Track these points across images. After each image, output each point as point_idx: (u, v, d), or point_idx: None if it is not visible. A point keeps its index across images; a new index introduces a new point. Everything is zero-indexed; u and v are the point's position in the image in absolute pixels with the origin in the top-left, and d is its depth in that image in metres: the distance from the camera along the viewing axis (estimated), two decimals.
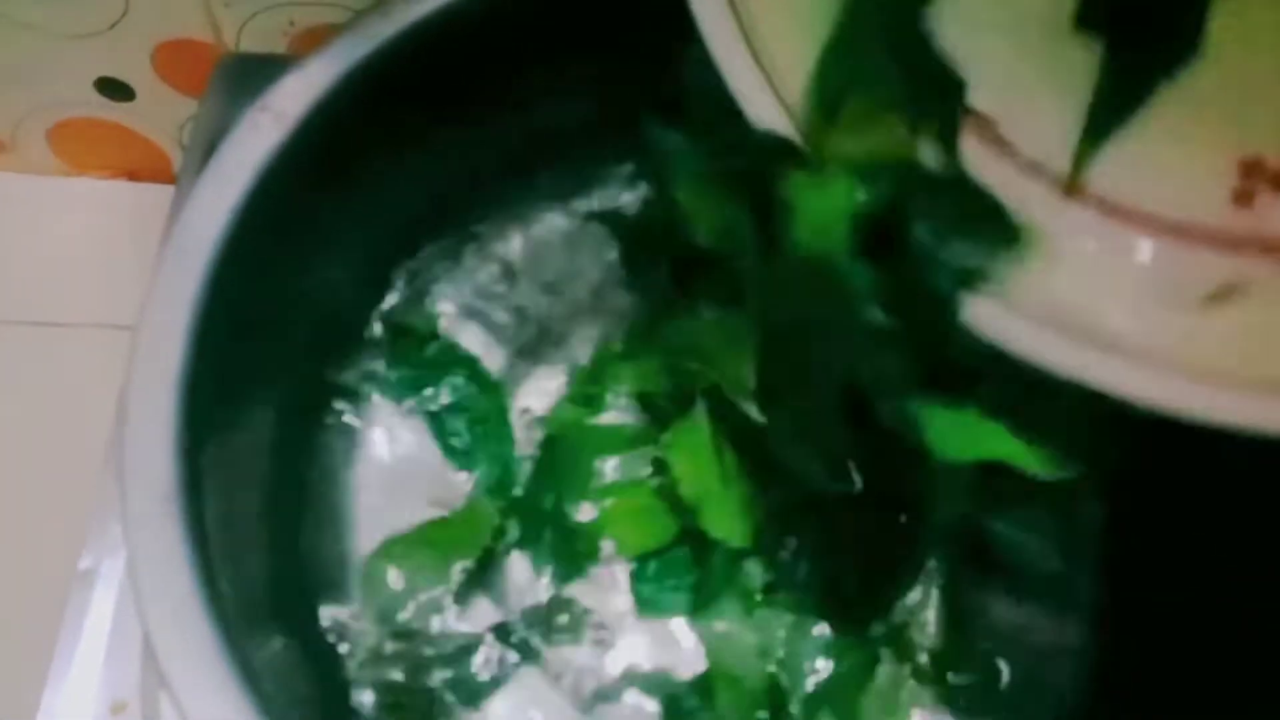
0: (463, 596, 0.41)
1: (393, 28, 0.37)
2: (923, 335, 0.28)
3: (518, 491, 0.43)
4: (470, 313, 0.45)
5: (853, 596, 0.40)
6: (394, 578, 0.40)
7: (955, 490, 0.39)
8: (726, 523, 0.39)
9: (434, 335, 0.45)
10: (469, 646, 0.41)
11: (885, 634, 0.41)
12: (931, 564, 0.41)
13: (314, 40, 0.45)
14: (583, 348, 0.45)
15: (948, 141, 0.28)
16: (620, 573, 0.42)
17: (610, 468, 0.43)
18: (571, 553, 0.42)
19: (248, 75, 0.48)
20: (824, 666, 0.40)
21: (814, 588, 0.40)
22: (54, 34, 0.58)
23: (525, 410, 0.45)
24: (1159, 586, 0.41)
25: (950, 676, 0.40)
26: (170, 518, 0.30)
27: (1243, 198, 0.27)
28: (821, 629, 0.41)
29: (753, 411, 0.34)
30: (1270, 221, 0.26)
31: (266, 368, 0.38)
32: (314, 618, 0.39)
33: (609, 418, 0.43)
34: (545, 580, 0.42)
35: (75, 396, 0.57)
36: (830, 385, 0.31)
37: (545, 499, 0.42)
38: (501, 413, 0.44)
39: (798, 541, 0.40)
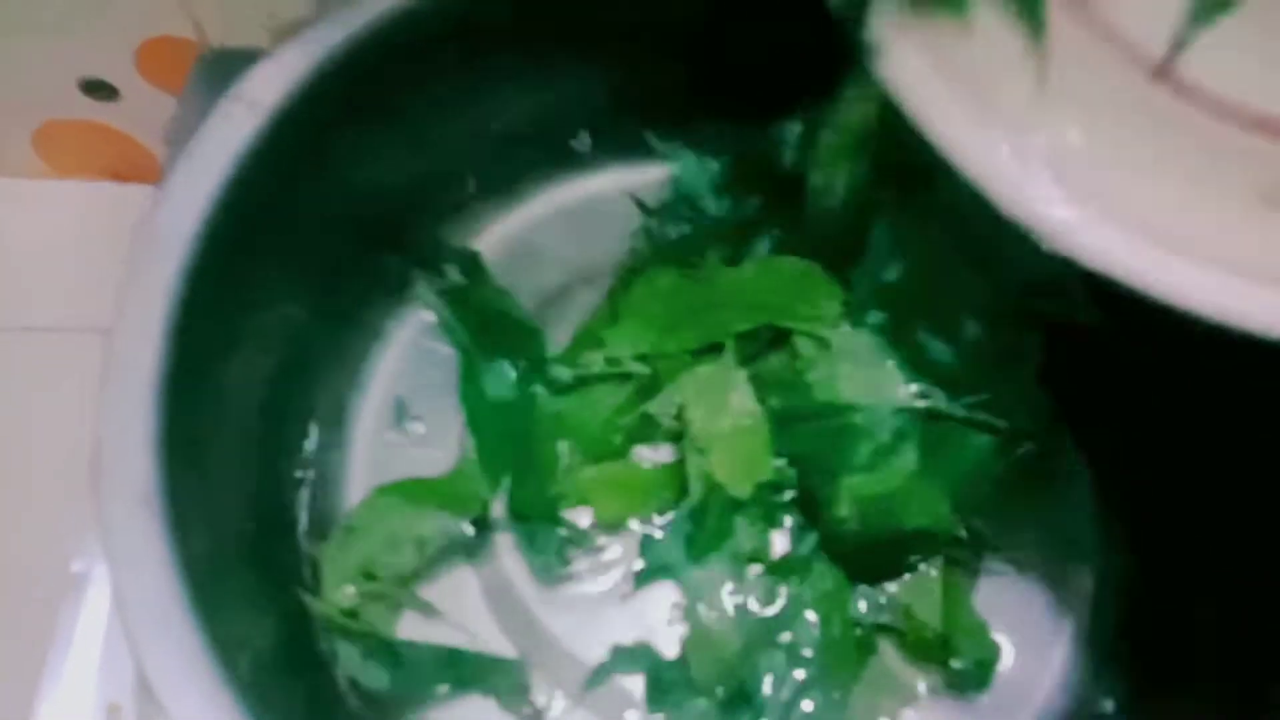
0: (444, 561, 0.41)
1: (366, 14, 0.36)
2: None
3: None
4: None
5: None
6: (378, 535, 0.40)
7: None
8: (735, 468, 0.39)
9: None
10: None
11: (880, 619, 0.41)
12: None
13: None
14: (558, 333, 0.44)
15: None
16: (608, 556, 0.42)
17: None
18: (558, 538, 0.41)
19: (228, 70, 0.46)
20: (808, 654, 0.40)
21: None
22: (35, 34, 0.58)
23: None
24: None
25: (953, 661, 0.39)
26: (151, 521, 0.29)
27: None
28: (811, 615, 0.40)
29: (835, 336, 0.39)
30: None
31: (248, 363, 0.37)
32: (305, 616, 0.39)
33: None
34: (533, 563, 0.42)
35: (64, 401, 0.57)
36: None
37: (531, 483, 0.42)
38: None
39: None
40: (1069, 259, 0.26)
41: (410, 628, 0.41)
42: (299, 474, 0.42)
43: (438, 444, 0.43)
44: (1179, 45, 0.27)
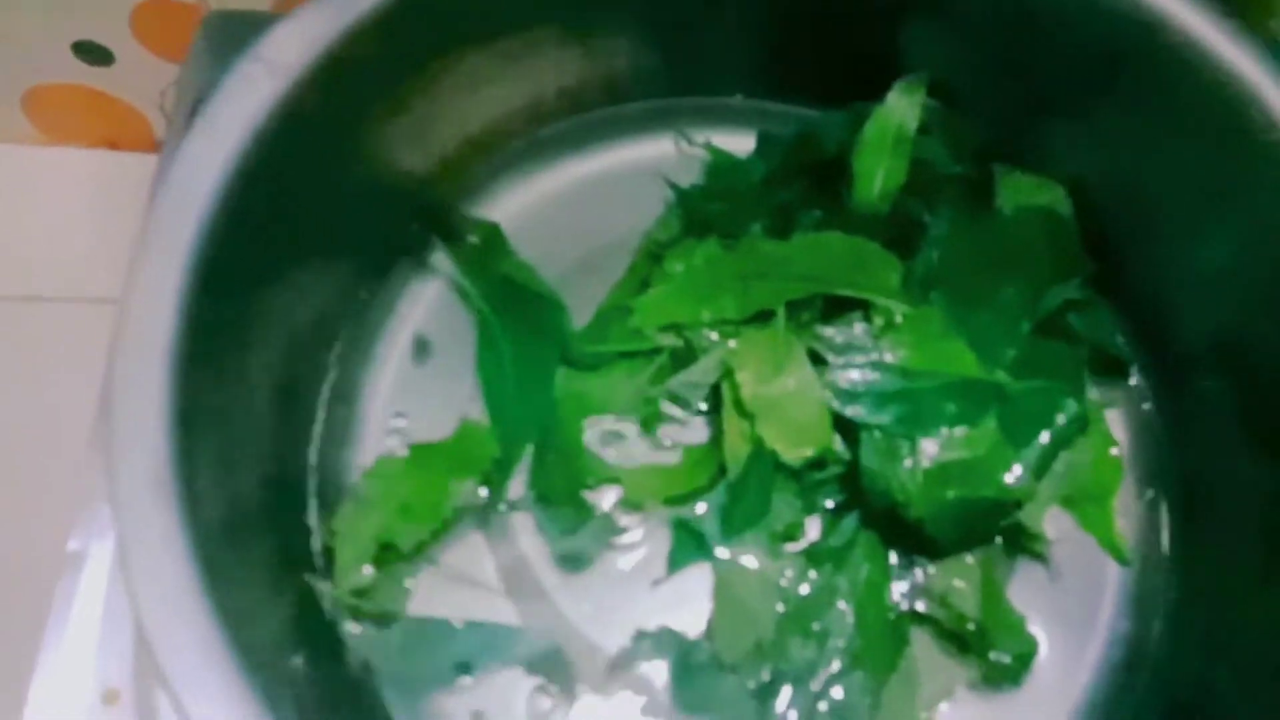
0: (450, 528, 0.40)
1: None
2: None
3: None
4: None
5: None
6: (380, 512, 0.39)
7: None
8: (790, 435, 0.38)
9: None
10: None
11: (915, 608, 0.40)
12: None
13: None
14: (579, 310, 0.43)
15: None
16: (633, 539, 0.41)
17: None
18: (578, 511, 0.40)
19: (234, 34, 0.46)
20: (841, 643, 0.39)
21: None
22: None
23: None
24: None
25: (991, 654, 0.38)
26: (163, 499, 0.28)
27: None
28: (846, 603, 0.39)
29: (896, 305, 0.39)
30: None
31: (267, 334, 0.36)
32: (312, 595, 0.37)
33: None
34: (549, 538, 0.41)
35: (56, 373, 0.56)
36: None
37: (552, 463, 0.41)
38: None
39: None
40: None
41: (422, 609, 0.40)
42: (313, 447, 0.41)
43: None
44: None
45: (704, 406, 0.42)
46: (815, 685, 0.38)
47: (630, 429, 0.42)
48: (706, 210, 0.43)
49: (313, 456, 0.40)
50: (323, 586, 0.37)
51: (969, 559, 0.39)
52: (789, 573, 0.40)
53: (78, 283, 0.61)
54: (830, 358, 0.39)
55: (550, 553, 0.40)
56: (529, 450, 0.41)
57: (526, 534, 0.41)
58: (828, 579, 0.39)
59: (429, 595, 0.40)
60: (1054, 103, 0.40)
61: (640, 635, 0.39)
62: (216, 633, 0.28)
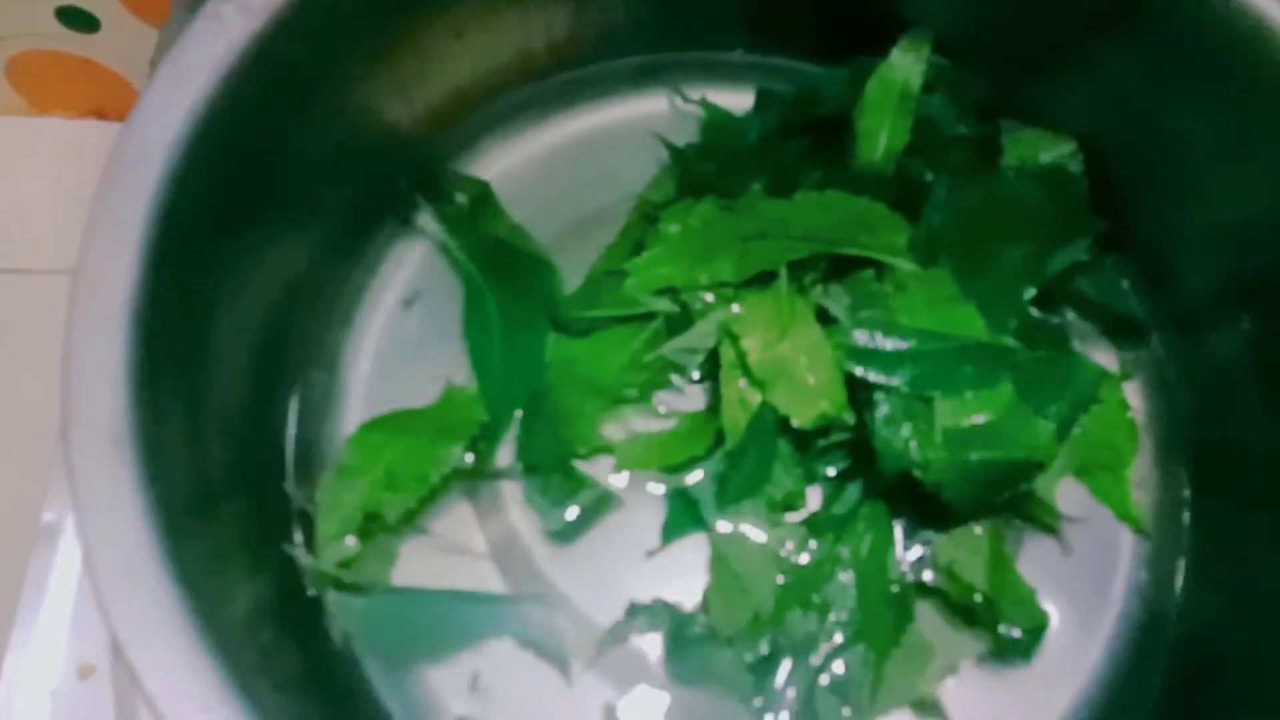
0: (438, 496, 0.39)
1: None
2: None
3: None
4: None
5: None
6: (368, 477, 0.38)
7: None
8: (800, 398, 0.37)
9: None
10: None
11: (920, 579, 0.38)
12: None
13: None
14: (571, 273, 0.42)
15: None
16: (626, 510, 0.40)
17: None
18: (569, 482, 0.39)
19: None
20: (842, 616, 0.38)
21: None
22: None
23: None
24: None
25: (1000, 628, 0.37)
26: (121, 460, 0.26)
27: None
28: (848, 575, 0.38)
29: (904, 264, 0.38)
30: None
31: (239, 292, 0.34)
32: (294, 566, 0.36)
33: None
34: (539, 509, 0.39)
35: (40, 345, 0.54)
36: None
37: (541, 431, 0.40)
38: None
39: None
40: None
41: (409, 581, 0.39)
42: (292, 413, 0.40)
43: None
44: None
45: (696, 375, 0.40)
46: (815, 659, 0.37)
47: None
48: (703, 169, 0.42)
49: (291, 423, 0.39)
50: (303, 558, 0.36)
51: (977, 530, 0.38)
52: (789, 543, 0.38)
53: (64, 255, 0.59)
54: (840, 316, 0.38)
55: (540, 524, 0.39)
56: (517, 417, 0.40)
57: (516, 504, 0.39)
58: (829, 549, 0.38)
59: (416, 567, 0.38)
60: (1062, 52, 0.39)
61: (634, 607, 0.38)
62: (179, 602, 0.26)
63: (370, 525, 0.37)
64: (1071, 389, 0.38)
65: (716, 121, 0.44)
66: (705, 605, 0.38)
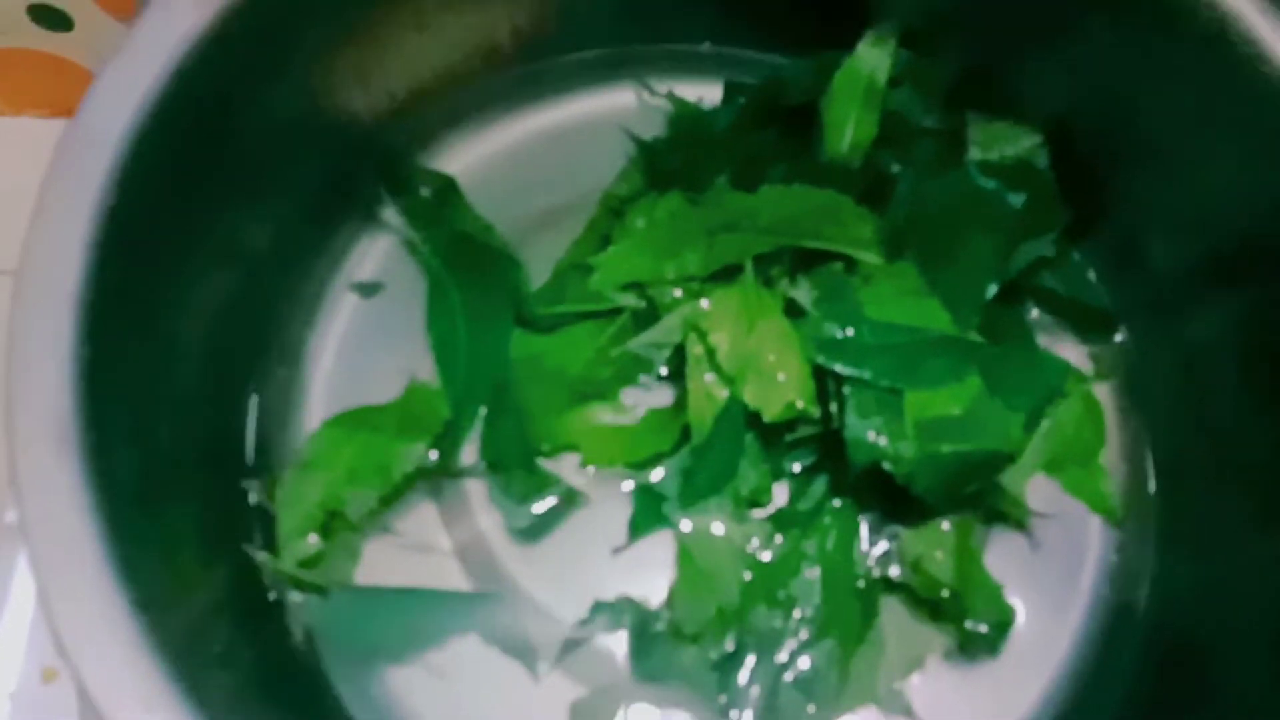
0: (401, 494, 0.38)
1: None
2: None
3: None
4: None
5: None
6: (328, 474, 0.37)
7: None
8: (770, 392, 0.37)
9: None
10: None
11: (887, 574, 0.38)
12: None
13: None
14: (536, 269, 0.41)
15: None
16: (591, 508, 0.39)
17: None
18: (533, 479, 0.39)
19: None
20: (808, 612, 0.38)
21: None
22: None
23: None
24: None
25: (967, 622, 0.37)
26: (66, 456, 0.26)
27: None
28: (814, 570, 0.37)
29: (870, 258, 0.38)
30: None
31: (194, 284, 0.34)
32: (252, 564, 0.35)
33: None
34: (504, 507, 0.39)
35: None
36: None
37: (506, 428, 0.39)
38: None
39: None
40: None
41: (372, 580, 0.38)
42: (251, 409, 0.39)
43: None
44: None
45: (664, 371, 0.40)
46: (780, 655, 0.37)
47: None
48: (670, 162, 0.42)
49: (250, 419, 0.39)
50: (261, 557, 0.36)
51: (944, 525, 0.38)
52: (755, 539, 0.38)
53: None
54: (809, 308, 0.37)
55: (505, 522, 0.39)
56: (482, 414, 0.39)
57: (481, 502, 0.39)
58: (794, 545, 0.38)
59: (380, 566, 0.38)
60: (1032, 35, 0.38)
61: (598, 605, 0.38)
62: (125, 601, 0.26)
63: (332, 523, 0.37)
64: (1038, 384, 0.38)
65: (683, 114, 0.43)
66: (670, 602, 0.37)
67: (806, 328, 0.37)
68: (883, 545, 0.38)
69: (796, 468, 0.39)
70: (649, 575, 0.38)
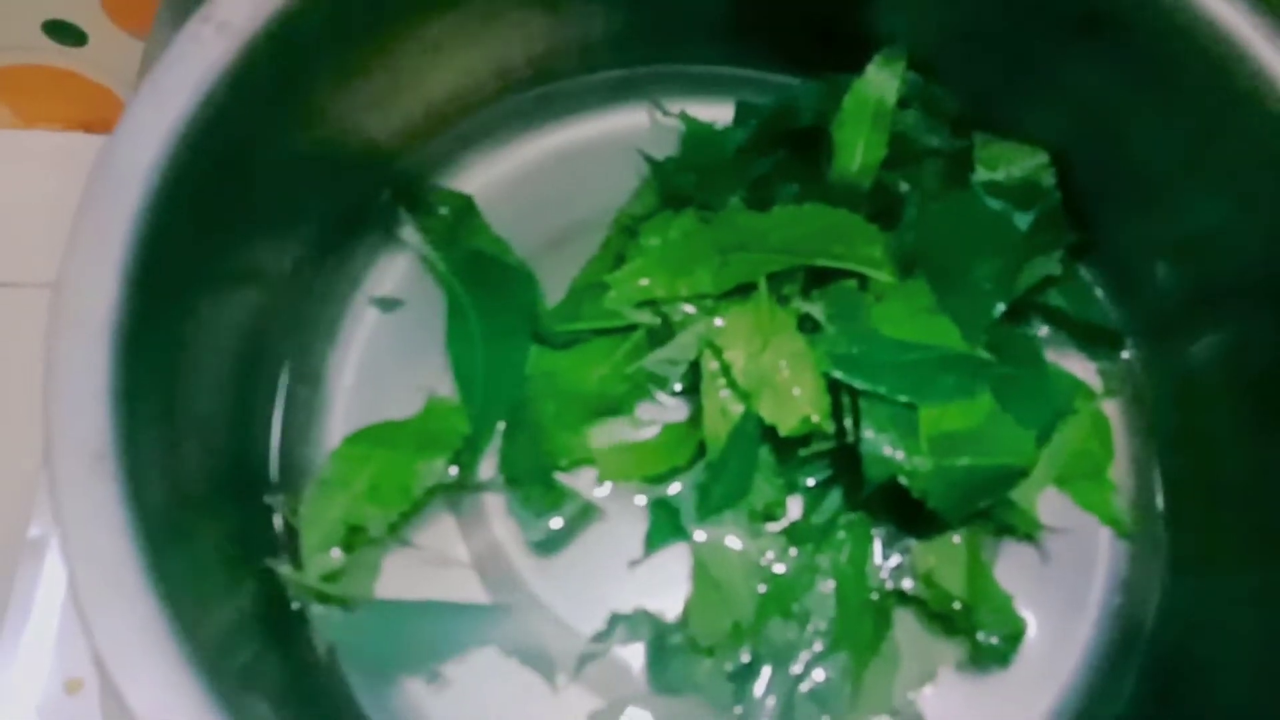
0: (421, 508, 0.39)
1: None
2: None
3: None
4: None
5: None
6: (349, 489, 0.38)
7: None
8: (785, 407, 0.37)
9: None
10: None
11: (899, 587, 0.39)
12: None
13: None
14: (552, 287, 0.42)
15: None
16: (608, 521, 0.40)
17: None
18: (550, 492, 0.39)
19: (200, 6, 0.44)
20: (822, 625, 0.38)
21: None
22: None
23: None
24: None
25: (978, 634, 0.37)
26: (103, 477, 0.27)
27: None
28: (827, 584, 0.38)
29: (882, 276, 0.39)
30: None
31: (220, 307, 0.34)
32: (275, 585, 0.36)
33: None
34: (522, 520, 0.39)
35: (28, 358, 0.54)
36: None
37: (523, 444, 0.40)
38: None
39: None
40: None
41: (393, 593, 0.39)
42: (274, 427, 0.40)
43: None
44: None
45: (678, 387, 0.41)
46: (795, 668, 0.37)
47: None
48: (682, 182, 0.42)
49: (274, 437, 0.39)
50: (286, 571, 0.36)
51: (955, 538, 0.38)
52: (769, 553, 0.39)
53: (52, 268, 0.60)
54: (824, 324, 0.38)
55: (523, 535, 0.39)
56: (500, 429, 0.40)
57: (499, 515, 0.39)
58: (809, 558, 0.38)
59: (399, 579, 0.39)
60: (1031, 67, 0.39)
61: (615, 618, 0.38)
62: (161, 616, 0.26)
63: (353, 538, 0.37)
64: (1048, 400, 0.38)
65: (696, 133, 0.44)
66: (686, 615, 0.38)
67: (821, 344, 0.38)
68: (895, 559, 0.39)
69: (810, 482, 0.39)
70: (665, 588, 0.39)
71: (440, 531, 0.39)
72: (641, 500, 0.40)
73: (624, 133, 0.45)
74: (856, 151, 0.40)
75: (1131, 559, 0.40)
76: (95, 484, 0.27)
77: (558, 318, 0.41)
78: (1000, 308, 0.38)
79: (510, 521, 0.39)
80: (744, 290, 0.39)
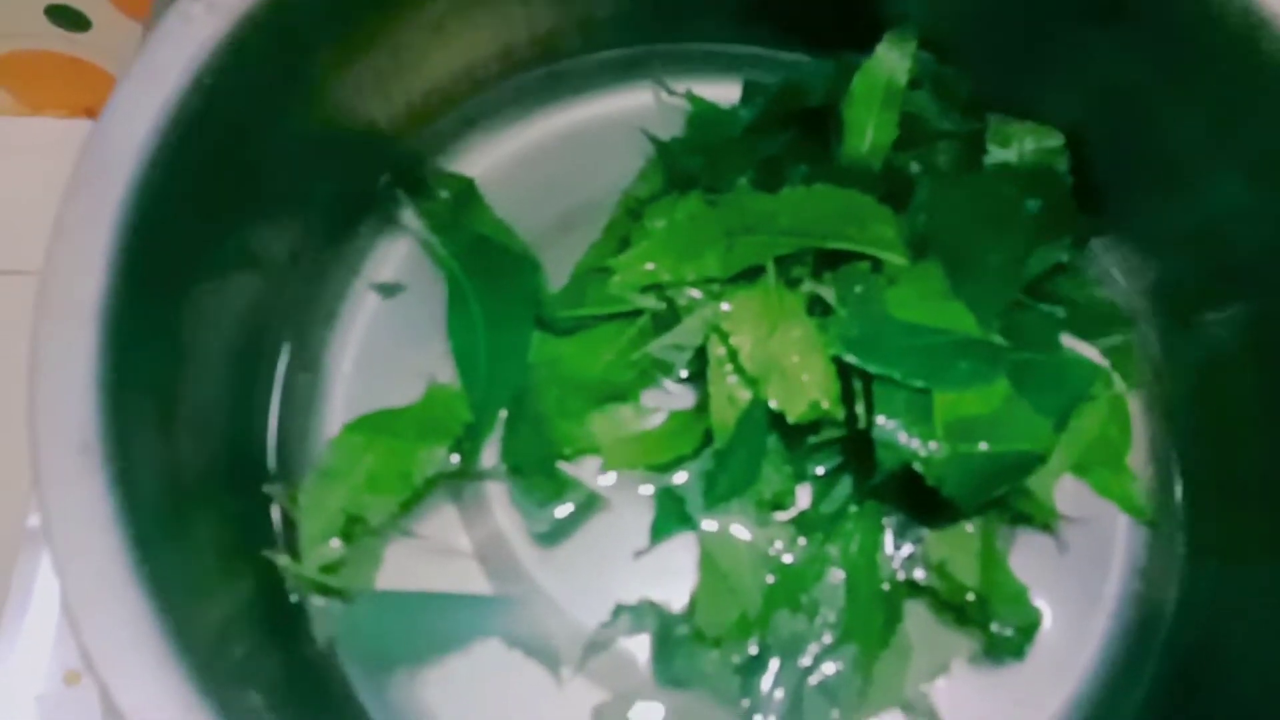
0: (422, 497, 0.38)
1: None
2: None
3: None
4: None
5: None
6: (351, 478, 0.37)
7: None
8: (795, 393, 0.36)
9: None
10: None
11: (911, 577, 0.38)
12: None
13: None
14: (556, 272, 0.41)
15: None
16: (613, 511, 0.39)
17: None
18: (554, 483, 0.39)
19: None
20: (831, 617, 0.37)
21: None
22: None
23: None
24: None
25: (992, 625, 0.37)
26: (90, 467, 0.26)
27: None
28: (837, 574, 0.37)
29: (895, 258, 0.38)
30: None
31: (215, 293, 0.34)
32: (275, 572, 0.35)
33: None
34: (525, 511, 0.39)
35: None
36: None
37: (526, 432, 0.39)
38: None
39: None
40: None
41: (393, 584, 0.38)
42: (272, 416, 0.39)
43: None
44: None
45: (684, 374, 0.40)
46: (804, 660, 0.37)
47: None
48: (689, 164, 0.41)
49: (272, 426, 0.39)
50: (284, 562, 0.36)
51: (969, 527, 0.37)
52: (778, 542, 0.38)
53: None
54: (836, 307, 0.37)
55: (526, 525, 0.39)
56: (502, 417, 0.39)
57: (502, 505, 0.39)
58: (818, 548, 0.38)
59: (400, 569, 0.38)
60: (1049, 46, 0.38)
61: (620, 609, 0.37)
62: (150, 610, 0.26)
63: (353, 527, 0.37)
64: (1065, 386, 0.37)
65: (702, 114, 0.43)
66: (692, 606, 0.37)
67: (833, 327, 0.37)
68: (907, 549, 0.38)
69: (820, 470, 0.39)
70: (671, 579, 0.38)
71: (442, 521, 0.39)
72: (647, 489, 0.39)
73: (629, 113, 0.44)
74: (867, 132, 0.40)
75: (1150, 548, 0.39)
76: (82, 477, 0.26)
77: (561, 303, 0.40)
78: (1013, 293, 0.37)
79: (513, 511, 0.39)
80: (751, 274, 0.38)
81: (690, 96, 0.44)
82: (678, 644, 0.37)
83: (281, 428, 0.39)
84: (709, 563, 0.37)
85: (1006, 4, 0.38)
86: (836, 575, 0.38)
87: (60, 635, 0.38)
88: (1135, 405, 0.41)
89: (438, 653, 0.37)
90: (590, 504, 0.39)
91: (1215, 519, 0.39)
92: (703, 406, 0.39)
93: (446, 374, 0.40)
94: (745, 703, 0.36)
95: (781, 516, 0.38)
